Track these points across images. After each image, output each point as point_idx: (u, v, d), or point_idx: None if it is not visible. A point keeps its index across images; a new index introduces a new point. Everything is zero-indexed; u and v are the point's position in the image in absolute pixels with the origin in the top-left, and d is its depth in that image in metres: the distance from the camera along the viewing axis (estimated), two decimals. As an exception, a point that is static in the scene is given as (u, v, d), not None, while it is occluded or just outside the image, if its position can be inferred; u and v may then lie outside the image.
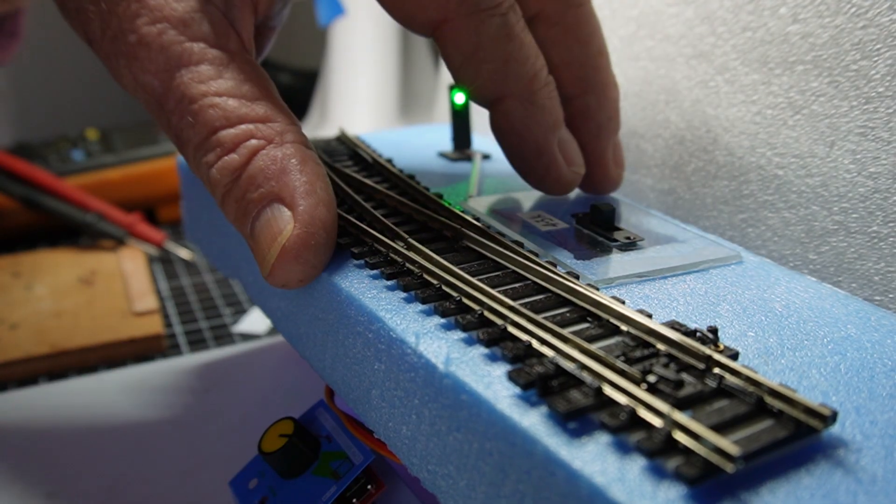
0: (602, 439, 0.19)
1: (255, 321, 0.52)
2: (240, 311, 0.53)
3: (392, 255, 0.28)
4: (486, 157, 0.42)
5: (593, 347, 0.21)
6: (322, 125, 0.82)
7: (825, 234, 0.32)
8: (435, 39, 0.30)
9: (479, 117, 0.44)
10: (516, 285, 0.26)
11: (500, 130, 0.32)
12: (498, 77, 0.30)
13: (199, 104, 0.27)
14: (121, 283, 0.55)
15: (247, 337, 0.50)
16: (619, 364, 0.20)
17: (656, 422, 0.19)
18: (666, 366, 0.21)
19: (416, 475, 0.24)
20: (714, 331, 0.23)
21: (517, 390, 0.21)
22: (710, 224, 0.37)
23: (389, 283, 0.27)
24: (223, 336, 0.50)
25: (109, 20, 0.28)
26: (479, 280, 0.26)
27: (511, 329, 0.23)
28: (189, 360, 0.47)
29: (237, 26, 0.29)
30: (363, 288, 0.27)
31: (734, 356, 0.23)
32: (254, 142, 0.27)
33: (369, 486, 0.29)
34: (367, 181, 0.35)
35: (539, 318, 0.23)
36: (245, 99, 0.28)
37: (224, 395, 0.43)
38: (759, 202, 0.35)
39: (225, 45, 0.28)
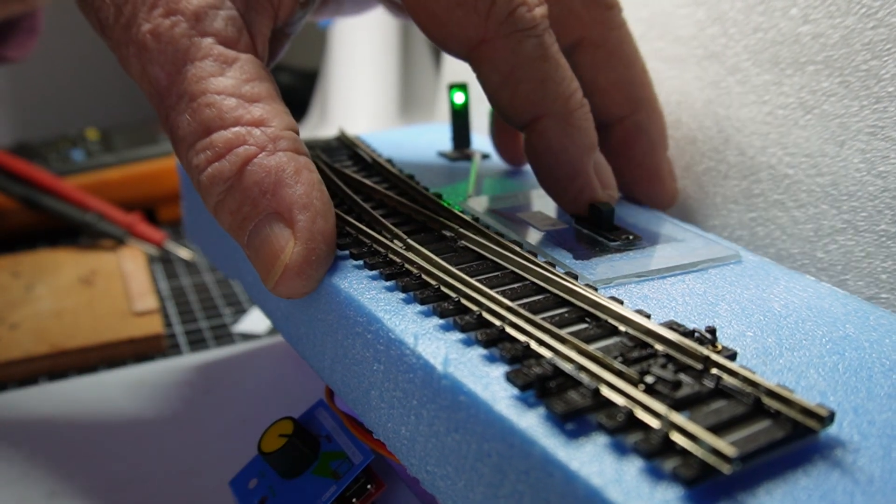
0: (599, 440, 0.19)
1: (255, 321, 0.52)
2: (240, 311, 0.53)
3: (391, 255, 0.28)
4: (485, 156, 0.42)
5: (591, 348, 0.21)
6: (322, 125, 0.82)
7: (834, 233, 0.32)
8: (471, 61, 0.30)
9: (479, 118, 0.44)
10: (515, 286, 0.26)
11: (535, 151, 0.32)
12: (535, 97, 0.30)
13: (197, 102, 0.27)
14: (121, 283, 0.55)
15: (247, 337, 0.50)
16: (617, 365, 0.20)
17: (654, 423, 0.19)
18: (664, 366, 0.21)
19: (415, 476, 0.24)
20: (712, 331, 0.23)
21: (515, 391, 0.21)
22: (719, 223, 0.38)
23: (388, 283, 0.27)
24: (223, 336, 0.50)
25: (123, 6, 0.28)
26: (478, 280, 0.26)
27: (509, 330, 0.23)
28: (189, 360, 0.47)
29: (253, 29, 0.29)
30: (362, 288, 0.27)
31: (732, 356, 0.23)
32: (244, 149, 0.27)
33: (369, 486, 0.29)
34: (367, 181, 0.35)
35: (537, 318, 0.23)
36: (243, 99, 0.27)
37: (224, 395, 0.43)
38: (769, 201, 0.35)
39: (234, 43, 0.28)
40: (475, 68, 0.30)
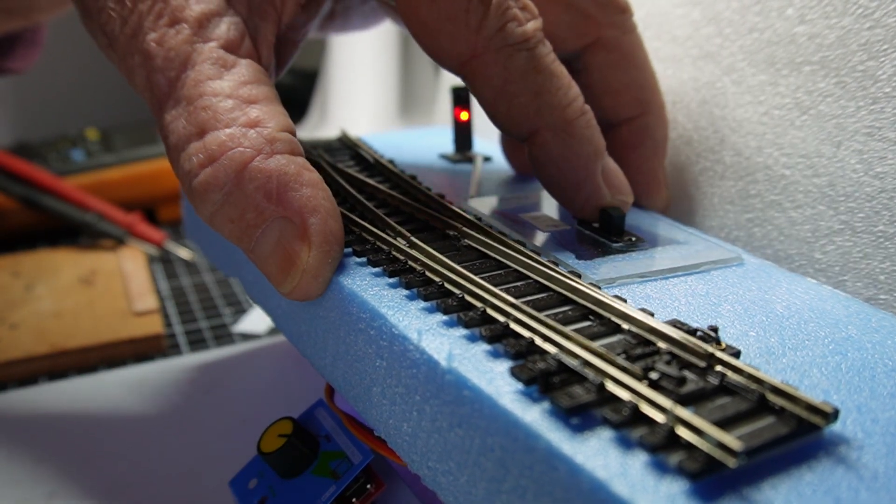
0: (604, 434, 0.19)
1: (255, 321, 0.52)
2: (240, 311, 0.53)
3: (394, 252, 0.28)
4: (486, 159, 0.42)
5: (595, 345, 0.21)
6: (321, 126, 0.83)
7: (831, 234, 0.32)
8: (463, 76, 0.30)
9: (480, 120, 0.44)
10: (518, 284, 0.26)
11: (538, 163, 0.31)
12: (530, 110, 0.30)
13: (194, 105, 0.27)
14: (121, 283, 0.55)
15: (247, 337, 0.50)
16: (622, 361, 0.20)
17: (659, 417, 0.19)
18: (668, 363, 0.21)
19: (417, 472, 0.24)
20: (715, 329, 0.23)
21: (519, 386, 0.21)
22: (716, 224, 0.38)
23: (391, 280, 0.27)
24: (223, 336, 0.50)
25: (129, 17, 0.28)
26: (481, 278, 0.26)
27: (513, 326, 0.23)
28: (189, 360, 0.47)
29: (256, 34, 0.29)
30: (365, 285, 0.27)
31: (736, 354, 0.23)
32: (238, 152, 0.26)
33: (369, 486, 0.29)
34: (369, 181, 0.35)
35: (541, 315, 0.23)
36: (240, 101, 0.27)
37: (224, 395, 0.43)
38: (766, 202, 0.35)
39: (236, 48, 0.28)
40: (468, 83, 0.30)
